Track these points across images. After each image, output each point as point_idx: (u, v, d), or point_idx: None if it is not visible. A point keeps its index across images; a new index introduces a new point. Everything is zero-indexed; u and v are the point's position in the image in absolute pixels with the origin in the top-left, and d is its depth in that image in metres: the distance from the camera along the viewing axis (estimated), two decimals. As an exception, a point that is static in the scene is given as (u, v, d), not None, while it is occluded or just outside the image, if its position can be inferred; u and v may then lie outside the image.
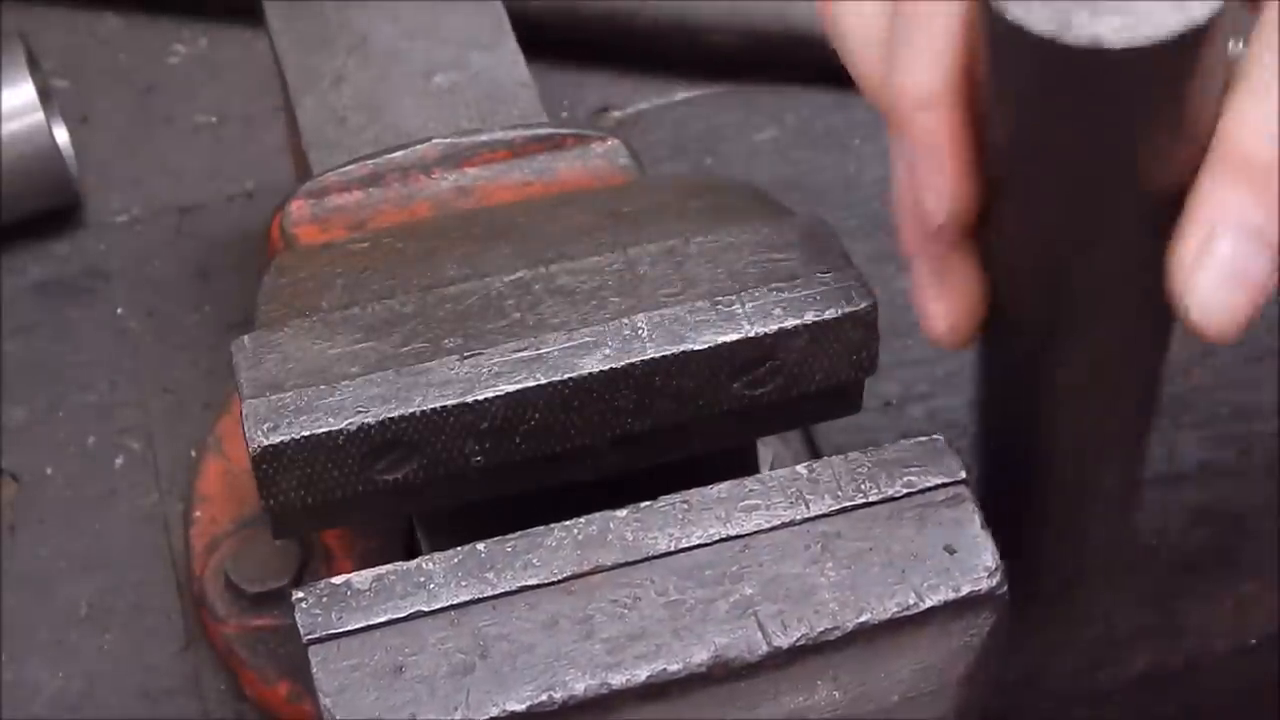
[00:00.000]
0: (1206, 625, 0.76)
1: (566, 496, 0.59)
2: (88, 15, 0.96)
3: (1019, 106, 0.47)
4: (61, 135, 0.87)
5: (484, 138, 0.69)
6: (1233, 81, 0.45)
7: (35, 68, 0.86)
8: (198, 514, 0.75)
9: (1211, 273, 0.44)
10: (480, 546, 0.52)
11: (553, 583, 0.52)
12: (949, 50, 0.48)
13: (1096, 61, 0.43)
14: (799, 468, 0.54)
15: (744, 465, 0.66)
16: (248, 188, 0.89)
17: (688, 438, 0.58)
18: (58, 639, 0.75)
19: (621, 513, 0.53)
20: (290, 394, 0.55)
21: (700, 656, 0.50)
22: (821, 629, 0.51)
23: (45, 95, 0.85)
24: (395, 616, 0.51)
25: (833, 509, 0.53)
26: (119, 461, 0.80)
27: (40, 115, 0.84)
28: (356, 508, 0.56)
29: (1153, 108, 0.44)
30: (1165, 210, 0.46)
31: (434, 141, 0.69)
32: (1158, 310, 0.47)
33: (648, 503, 0.53)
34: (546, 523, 0.60)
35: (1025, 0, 0.44)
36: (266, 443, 0.54)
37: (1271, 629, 0.75)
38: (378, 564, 0.68)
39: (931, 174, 0.49)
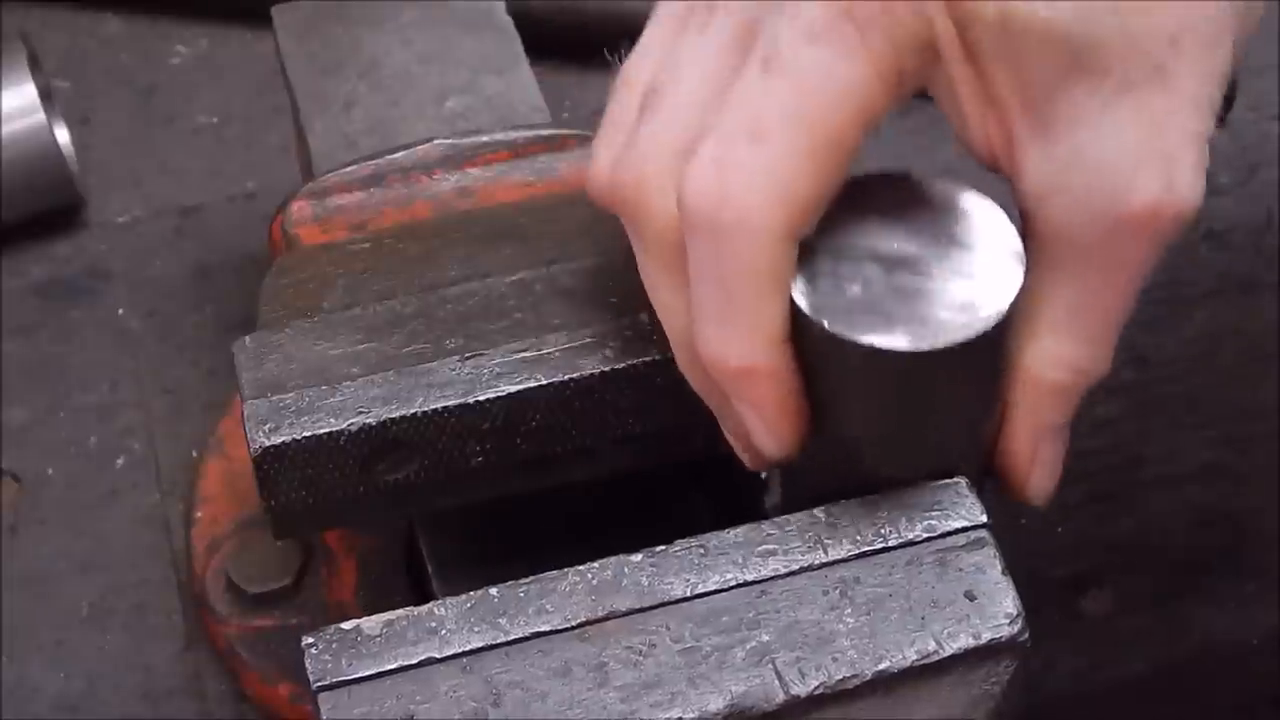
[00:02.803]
0: (1207, 625, 0.76)
1: (567, 496, 0.59)
2: (89, 16, 0.96)
3: (851, 398, 0.51)
4: (63, 136, 0.87)
5: (485, 138, 0.69)
6: (1021, 317, 0.50)
7: (37, 68, 0.86)
8: (199, 514, 0.75)
9: (1041, 468, 0.54)
10: (493, 591, 0.51)
11: (566, 629, 0.50)
12: (773, 331, 0.50)
13: (907, 362, 0.48)
14: (817, 511, 0.53)
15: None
16: (249, 188, 0.89)
17: (689, 438, 0.58)
18: (59, 639, 0.75)
19: (636, 557, 0.52)
20: (291, 395, 0.55)
21: (716, 705, 0.49)
22: (840, 677, 0.50)
23: (46, 96, 0.85)
24: (406, 663, 0.50)
25: (851, 554, 0.52)
26: (120, 462, 0.80)
27: (41, 116, 0.84)
28: (357, 508, 0.56)
29: (959, 386, 0.51)
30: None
31: (435, 142, 0.69)
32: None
33: (662, 547, 0.52)
34: (547, 525, 0.60)
35: (842, 314, 0.49)
36: (267, 443, 0.54)
37: (1272, 629, 0.75)
38: (378, 565, 0.69)
39: (759, 429, 0.52)
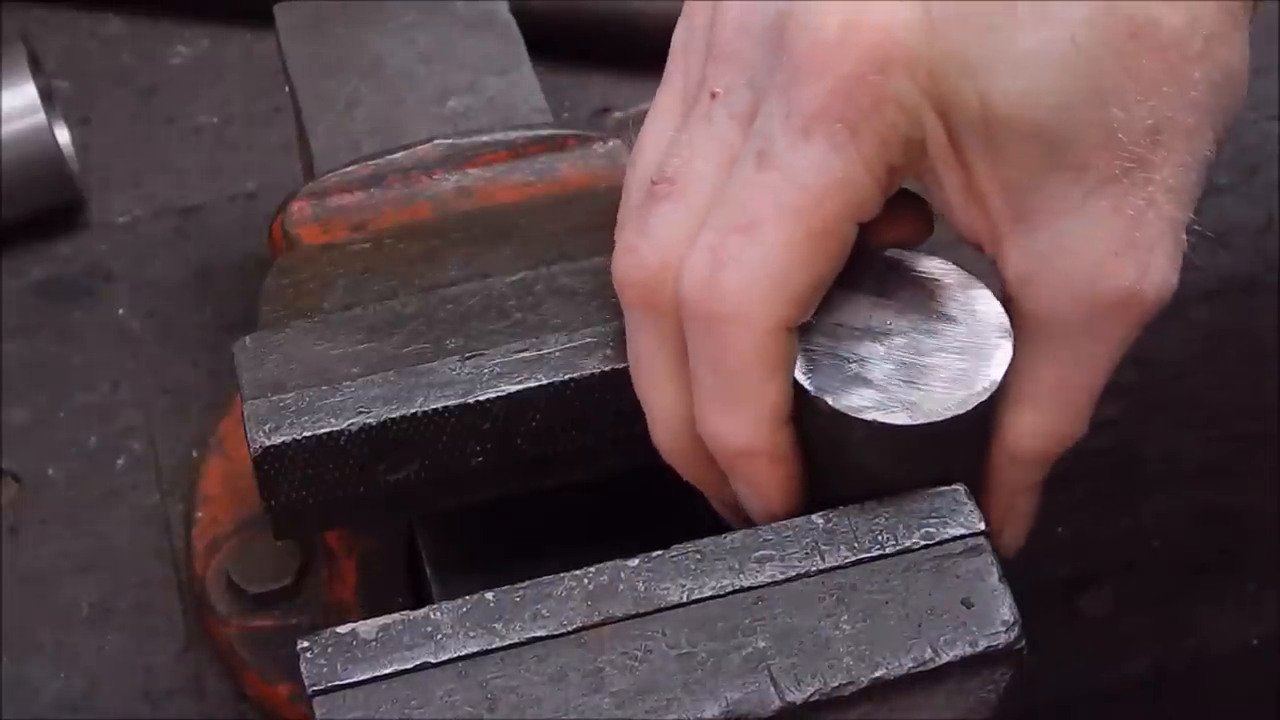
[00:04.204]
0: (1208, 626, 0.76)
1: (566, 499, 0.59)
2: (90, 17, 0.96)
3: (847, 466, 0.52)
4: (63, 136, 0.87)
5: (485, 138, 0.69)
6: (1003, 389, 0.52)
7: (37, 69, 0.86)
8: (199, 514, 0.75)
9: (1015, 524, 0.57)
10: (489, 596, 0.51)
11: (562, 634, 0.50)
12: (775, 414, 0.51)
13: (907, 435, 0.51)
14: (815, 517, 0.53)
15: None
16: (249, 188, 0.89)
17: (689, 438, 0.58)
18: (59, 639, 0.75)
19: (633, 562, 0.52)
20: (292, 395, 0.55)
21: (711, 711, 0.49)
22: (836, 684, 0.50)
23: (47, 96, 0.85)
24: (402, 668, 0.50)
25: (849, 560, 0.52)
26: (120, 462, 0.80)
27: (42, 116, 0.84)
28: (358, 508, 0.56)
29: (951, 450, 0.53)
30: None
31: (435, 142, 0.69)
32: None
33: (659, 552, 0.52)
34: (545, 528, 0.60)
35: (843, 391, 0.51)
36: (268, 443, 0.54)
37: (1273, 629, 0.75)
38: (378, 565, 0.69)
39: (756, 506, 0.53)
